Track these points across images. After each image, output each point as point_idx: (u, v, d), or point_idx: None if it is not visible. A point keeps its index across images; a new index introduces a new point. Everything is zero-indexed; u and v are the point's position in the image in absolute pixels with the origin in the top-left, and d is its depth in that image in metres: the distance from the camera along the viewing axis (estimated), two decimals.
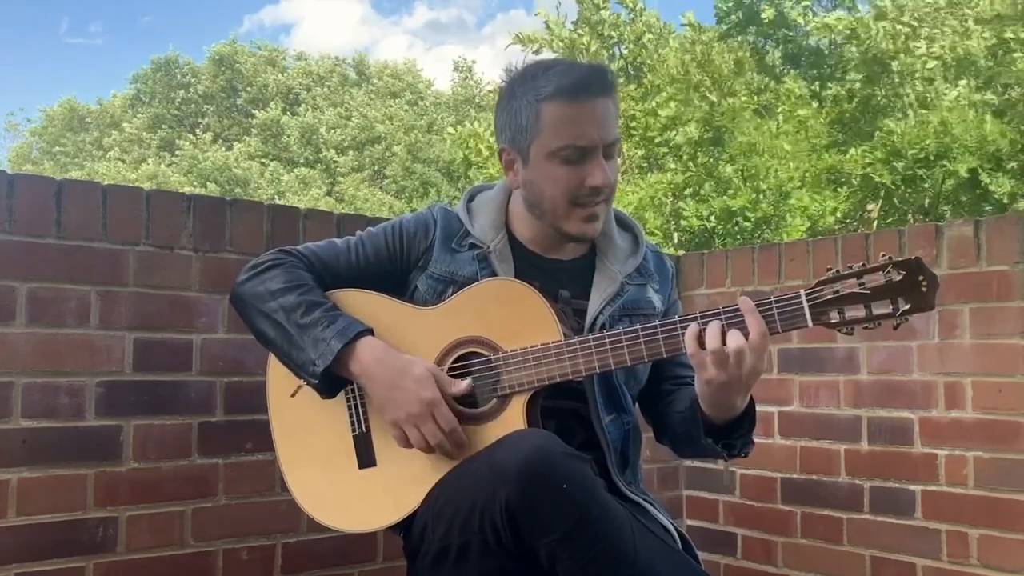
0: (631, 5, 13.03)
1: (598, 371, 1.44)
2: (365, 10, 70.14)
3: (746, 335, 1.34)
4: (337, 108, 26.65)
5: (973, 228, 2.32)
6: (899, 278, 1.32)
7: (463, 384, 1.44)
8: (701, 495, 2.95)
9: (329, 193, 24.03)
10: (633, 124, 11.22)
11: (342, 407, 1.54)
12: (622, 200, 10.24)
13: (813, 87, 12.94)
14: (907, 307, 1.32)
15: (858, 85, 11.50)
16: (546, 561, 1.27)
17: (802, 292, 1.36)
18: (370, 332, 1.48)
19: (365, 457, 1.52)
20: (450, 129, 14.09)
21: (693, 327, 1.37)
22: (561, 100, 1.47)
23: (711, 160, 11.03)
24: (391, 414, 1.43)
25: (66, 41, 60.34)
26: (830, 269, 1.36)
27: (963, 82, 11.07)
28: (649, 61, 12.15)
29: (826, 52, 13.59)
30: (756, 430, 1.53)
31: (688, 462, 2.96)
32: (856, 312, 1.34)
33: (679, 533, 1.56)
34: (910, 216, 11.57)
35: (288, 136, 26.01)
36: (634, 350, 1.41)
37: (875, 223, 11.71)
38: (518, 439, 1.33)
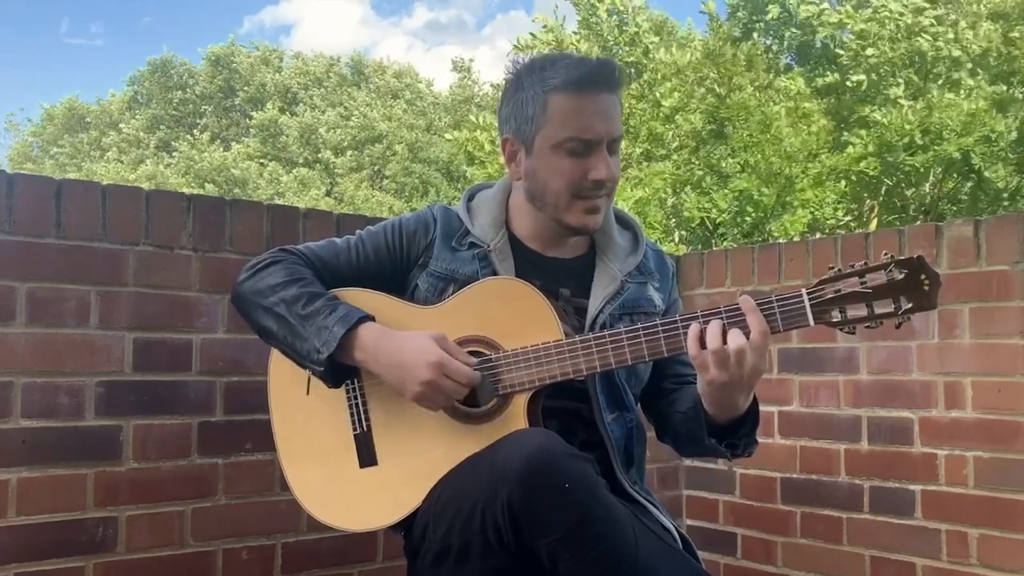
0: (622, 8, 13.01)
1: (599, 370, 1.44)
2: (365, 11, 70.25)
3: (747, 334, 1.34)
4: (336, 108, 26.64)
5: (973, 228, 2.32)
6: (901, 277, 1.32)
7: (470, 360, 1.44)
8: (701, 495, 2.95)
9: (328, 193, 24.01)
10: (633, 123, 11.22)
11: (343, 406, 1.54)
12: (621, 195, 10.23)
13: (814, 84, 12.92)
14: (909, 306, 1.32)
15: (862, 78, 11.47)
16: (547, 561, 1.27)
17: (803, 291, 1.35)
18: (372, 318, 1.48)
19: (366, 456, 1.52)
20: (448, 136, 14.08)
21: (694, 328, 1.37)
22: (569, 92, 1.48)
23: (714, 154, 11.01)
24: (408, 391, 1.43)
25: (66, 41, 60.40)
26: (832, 268, 1.36)
27: (982, 74, 11.08)
28: (645, 61, 12.13)
29: (832, 47, 13.50)
30: (758, 428, 1.53)
31: (688, 461, 2.96)
32: (858, 311, 1.33)
33: (679, 534, 1.56)
34: (911, 217, 11.58)
35: (286, 136, 25.99)
36: (635, 349, 1.41)
37: (874, 222, 11.71)
38: (520, 438, 1.33)
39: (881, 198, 11.83)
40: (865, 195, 11.80)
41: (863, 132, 10.55)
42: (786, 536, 2.69)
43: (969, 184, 11.01)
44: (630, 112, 11.27)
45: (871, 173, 10.52)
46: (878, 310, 1.33)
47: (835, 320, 1.35)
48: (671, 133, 10.93)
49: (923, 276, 1.31)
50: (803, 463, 2.66)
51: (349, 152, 25.24)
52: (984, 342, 2.28)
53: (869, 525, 2.49)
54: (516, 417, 1.44)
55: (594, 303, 1.58)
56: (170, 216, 2.02)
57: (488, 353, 1.46)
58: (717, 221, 10.73)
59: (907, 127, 10.02)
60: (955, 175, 10.82)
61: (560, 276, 1.59)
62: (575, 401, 1.54)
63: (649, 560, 1.32)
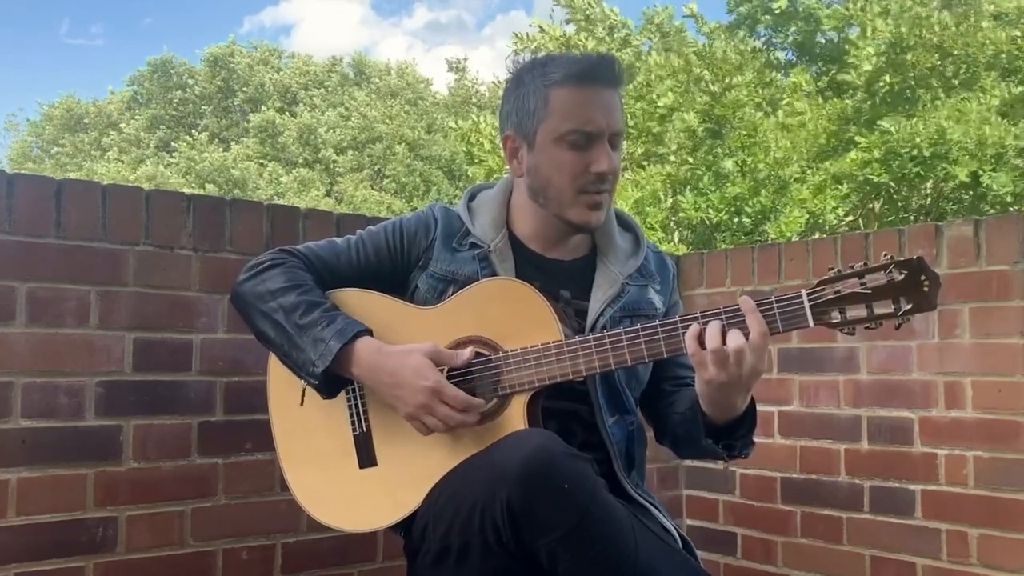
0: (609, 16, 13.02)
1: (599, 371, 1.44)
2: (365, 11, 70.17)
3: (747, 335, 1.34)
4: (336, 108, 26.63)
5: (973, 228, 2.32)
6: (901, 278, 1.31)
7: (465, 354, 1.44)
8: (701, 495, 2.95)
9: (328, 193, 24.00)
10: (633, 123, 11.20)
11: (343, 407, 1.54)
12: (621, 195, 10.23)
13: (820, 82, 12.87)
14: (909, 307, 1.32)
15: (866, 66, 11.38)
16: (547, 561, 1.27)
17: (803, 292, 1.35)
18: (369, 332, 1.48)
19: (365, 457, 1.52)
20: (451, 124, 14.06)
21: (694, 327, 1.37)
22: (570, 85, 1.50)
23: (709, 153, 10.99)
24: (402, 411, 1.43)
25: (67, 42, 60.33)
26: (831, 269, 1.36)
27: (1012, 79, 11.03)
28: (637, 64, 12.13)
29: (838, 42, 13.42)
30: (756, 430, 1.53)
31: (688, 462, 2.96)
32: (857, 312, 1.33)
33: (680, 535, 1.56)
34: (911, 217, 11.56)
35: (285, 137, 25.98)
36: (634, 350, 1.41)
37: (876, 223, 11.70)
38: (519, 439, 1.33)
39: (882, 199, 11.81)
40: (869, 203, 11.78)
41: (872, 137, 10.52)
42: (786, 536, 2.69)
43: (971, 194, 10.98)
44: (629, 112, 11.29)
45: (876, 179, 10.48)
46: (878, 311, 1.33)
47: (835, 321, 1.34)
48: (668, 134, 10.92)
49: (923, 277, 1.31)
50: (803, 463, 2.66)
51: (349, 152, 25.23)
52: (984, 342, 2.28)
53: (869, 525, 2.50)
54: (515, 418, 1.44)
55: (594, 305, 1.58)
56: (170, 216, 2.02)
57: (487, 354, 1.46)
58: (714, 222, 10.72)
59: (916, 139, 9.98)
60: (959, 186, 10.80)
61: (560, 278, 1.59)
62: (574, 402, 1.53)
63: (649, 560, 1.32)
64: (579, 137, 1.50)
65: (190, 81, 28.92)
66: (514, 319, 1.46)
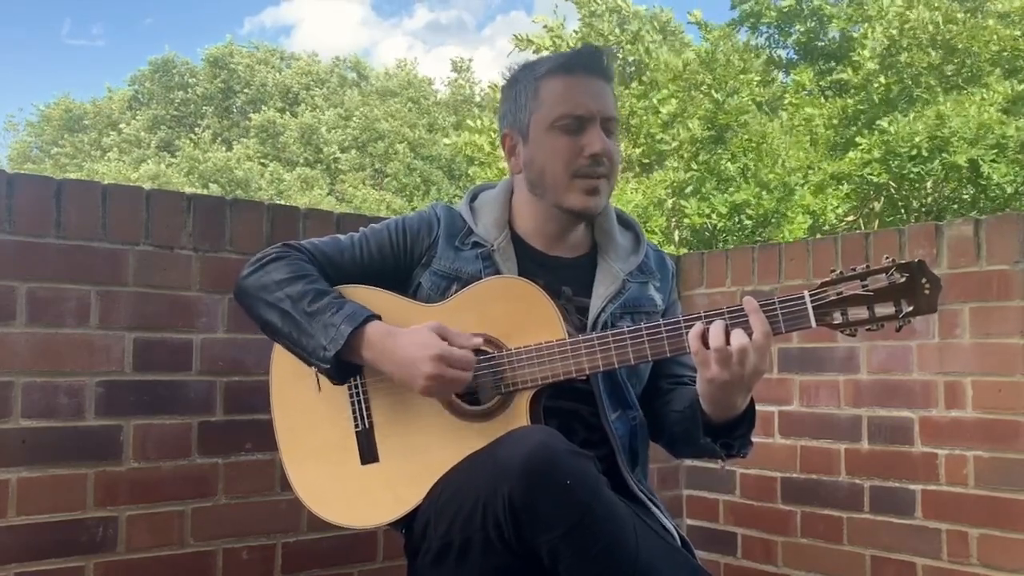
0: (623, 5, 12.98)
1: (602, 369, 1.44)
2: (365, 12, 70.21)
3: (750, 335, 1.35)
4: (337, 108, 26.63)
5: (973, 227, 2.32)
6: (902, 280, 1.33)
7: (473, 336, 1.45)
8: (701, 495, 2.95)
9: (330, 193, 24.00)
10: (635, 123, 11.20)
11: (345, 403, 1.54)
12: (621, 199, 10.22)
13: (822, 82, 12.85)
14: (910, 309, 1.33)
15: (870, 65, 11.36)
16: (548, 558, 1.27)
17: (806, 293, 1.36)
18: (378, 317, 1.48)
19: (367, 453, 1.52)
20: (445, 141, 14.10)
21: (698, 326, 1.38)
22: (557, 74, 1.55)
23: (713, 158, 10.99)
24: (416, 387, 1.43)
25: (68, 42, 60.34)
26: (833, 271, 1.37)
27: (1019, 76, 11.03)
28: (647, 60, 12.11)
29: (840, 41, 13.36)
30: (756, 430, 1.53)
31: (689, 462, 2.96)
32: (859, 313, 1.34)
33: (679, 535, 1.56)
34: (911, 216, 11.55)
35: (286, 136, 25.98)
36: (638, 349, 1.41)
37: (876, 222, 11.69)
38: (521, 435, 1.33)
39: (883, 199, 11.79)
40: (869, 203, 11.77)
41: (872, 137, 10.51)
42: (786, 536, 2.69)
43: (972, 190, 10.97)
44: (631, 112, 11.26)
45: (876, 180, 10.48)
46: (879, 312, 1.34)
47: (837, 322, 1.35)
48: (671, 140, 10.93)
49: (924, 280, 1.33)
50: (803, 463, 2.66)
51: (351, 151, 25.23)
52: (984, 342, 2.28)
53: (869, 525, 2.50)
54: (518, 415, 1.44)
55: (596, 302, 1.58)
56: (170, 216, 2.02)
57: (491, 351, 1.47)
58: (717, 226, 10.72)
59: (916, 139, 9.98)
60: (959, 181, 10.78)
61: (562, 275, 1.59)
62: (575, 401, 1.54)
63: (649, 559, 1.32)
64: (571, 122, 1.52)
65: (191, 81, 28.91)
66: (518, 317, 1.47)
